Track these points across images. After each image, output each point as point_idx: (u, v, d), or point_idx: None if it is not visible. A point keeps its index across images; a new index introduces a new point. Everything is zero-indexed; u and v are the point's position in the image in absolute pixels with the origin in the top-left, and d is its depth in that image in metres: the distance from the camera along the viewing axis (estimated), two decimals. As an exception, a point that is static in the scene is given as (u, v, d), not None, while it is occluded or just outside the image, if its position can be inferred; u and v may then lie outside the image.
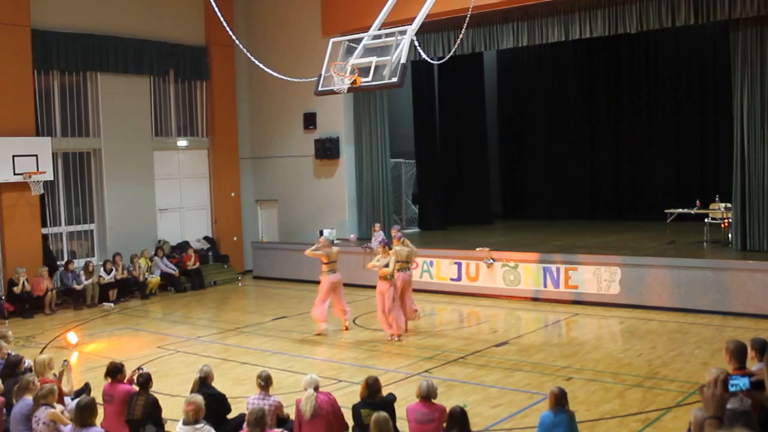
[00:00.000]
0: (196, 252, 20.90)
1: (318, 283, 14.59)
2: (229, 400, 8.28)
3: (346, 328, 14.44)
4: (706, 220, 17.10)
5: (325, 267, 14.20)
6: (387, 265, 13.41)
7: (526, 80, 25.46)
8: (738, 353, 6.44)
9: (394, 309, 13.42)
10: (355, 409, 7.69)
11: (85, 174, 19.85)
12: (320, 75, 13.06)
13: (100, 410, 7.35)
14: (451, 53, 17.11)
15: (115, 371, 8.27)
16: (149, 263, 19.65)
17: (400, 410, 7.81)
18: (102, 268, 18.72)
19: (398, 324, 13.49)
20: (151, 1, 20.76)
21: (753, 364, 6.48)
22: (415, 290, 15.27)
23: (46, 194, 18.62)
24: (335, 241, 19.74)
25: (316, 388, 7.63)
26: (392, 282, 13.44)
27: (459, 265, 17.25)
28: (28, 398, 7.48)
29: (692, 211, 17.43)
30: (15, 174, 17.40)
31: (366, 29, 13.64)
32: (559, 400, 7.17)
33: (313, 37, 20.70)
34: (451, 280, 17.73)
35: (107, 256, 19.38)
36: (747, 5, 14.94)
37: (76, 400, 7.31)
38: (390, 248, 13.75)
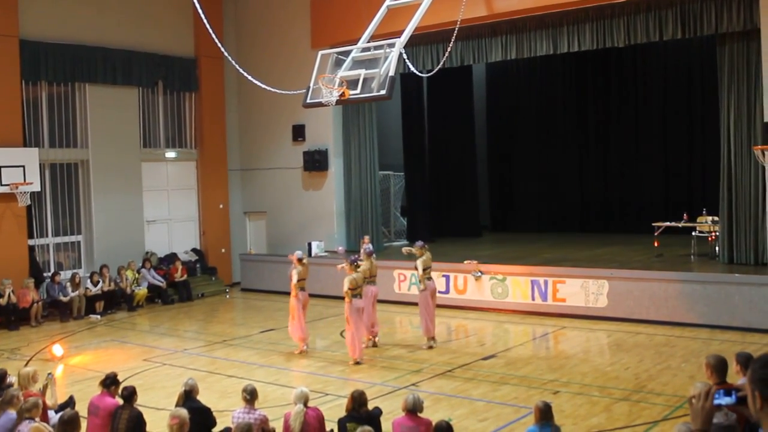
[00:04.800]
0: (184, 264, 20.82)
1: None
2: (214, 413, 8.21)
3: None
4: (693, 234, 17.16)
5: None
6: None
7: (515, 93, 25.51)
8: (718, 368, 6.47)
9: (358, 329, 12.82)
10: (341, 422, 7.64)
11: (73, 185, 19.76)
12: (309, 87, 13.11)
13: (84, 424, 7.29)
14: (440, 66, 17.18)
15: (110, 383, 8.23)
16: (136, 275, 19.55)
17: (386, 424, 7.77)
18: (89, 280, 18.61)
19: (359, 346, 12.83)
20: (140, 13, 20.71)
21: (738, 378, 6.49)
22: (402, 303, 15.25)
23: (33, 205, 18.52)
24: (322, 254, 19.80)
25: (305, 403, 7.59)
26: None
27: (447, 277, 17.22)
28: (12, 413, 7.40)
29: (680, 225, 17.50)
30: (2, 185, 17.33)
31: (355, 42, 13.72)
32: (545, 414, 7.15)
33: (302, 50, 20.72)
34: (439, 292, 17.47)
35: (94, 267, 19.28)
36: (733, 20, 15.06)
37: (60, 414, 7.24)
38: (357, 266, 13.22)
